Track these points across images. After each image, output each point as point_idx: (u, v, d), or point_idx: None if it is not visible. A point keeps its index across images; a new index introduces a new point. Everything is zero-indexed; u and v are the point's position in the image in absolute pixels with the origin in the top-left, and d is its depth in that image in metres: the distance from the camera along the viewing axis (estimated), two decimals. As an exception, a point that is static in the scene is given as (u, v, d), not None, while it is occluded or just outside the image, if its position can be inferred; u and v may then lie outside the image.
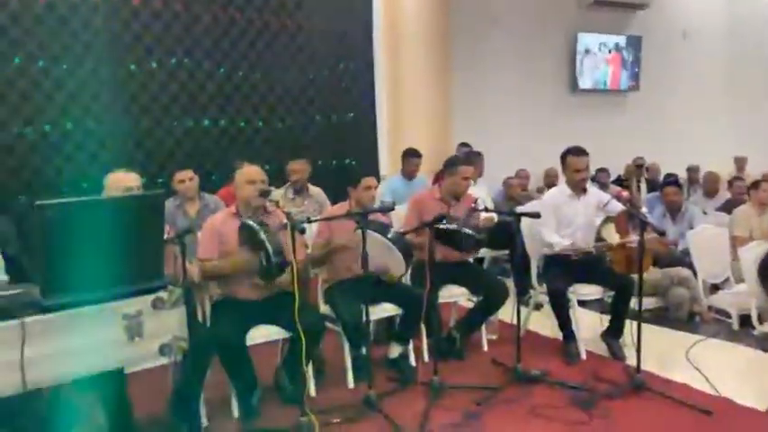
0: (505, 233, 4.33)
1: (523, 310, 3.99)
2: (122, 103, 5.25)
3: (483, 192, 5.55)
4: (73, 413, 2.21)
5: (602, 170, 7.59)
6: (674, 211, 5.17)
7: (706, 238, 4.74)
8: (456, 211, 3.81)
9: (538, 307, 4.43)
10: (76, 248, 1.70)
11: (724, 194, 6.64)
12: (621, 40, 9.00)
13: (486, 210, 4.13)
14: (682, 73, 9.47)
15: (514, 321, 3.46)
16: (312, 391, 3.28)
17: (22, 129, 4.87)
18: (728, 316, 4.47)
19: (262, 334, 3.13)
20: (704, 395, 3.26)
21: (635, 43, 9.06)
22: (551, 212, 3.93)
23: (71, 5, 4.97)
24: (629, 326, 3.64)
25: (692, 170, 8.26)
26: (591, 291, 3.97)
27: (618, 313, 3.84)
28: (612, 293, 3.90)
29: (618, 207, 3.85)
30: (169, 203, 4.18)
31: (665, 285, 4.52)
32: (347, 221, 3.40)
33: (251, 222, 2.85)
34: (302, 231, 2.78)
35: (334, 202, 4.54)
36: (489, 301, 3.86)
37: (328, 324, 3.37)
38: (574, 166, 3.92)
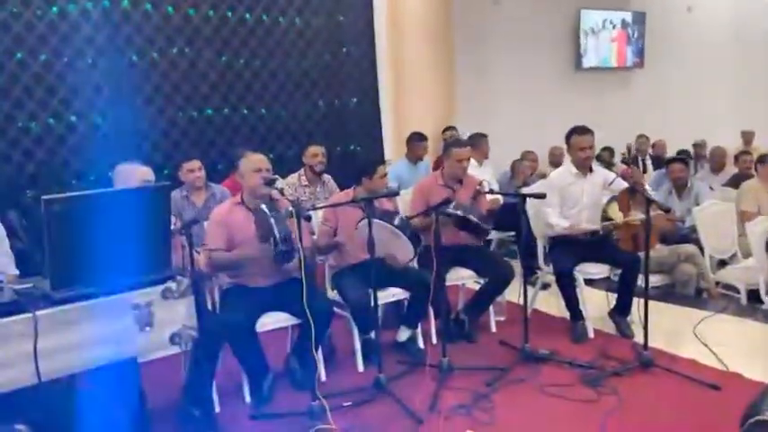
0: (512, 214, 4.34)
1: (530, 290, 4.00)
2: (125, 94, 5.25)
3: (488, 173, 5.55)
4: (88, 403, 2.25)
5: (606, 149, 7.55)
6: (680, 187, 5.15)
7: (712, 213, 4.73)
8: (460, 194, 3.81)
9: (545, 287, 4.44)
10: (84, 242, 1.72)
11: (731, 169, 6.59)
12: (627, 16, 8.90)
13: (492, 192, 4.13)
14: (686, 48, 9.36)
15: (522, 302, 3.47)
16: (323, 375, 3.32)
17: (26, 123, 4.89)
18: (736, 291, 4.47)
19: (272, 320, 3.16)
20: (712, 370, 3.27)
21: (640, 19, 8.96)
22: (556, 192, 3.93)
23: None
24: (637, 303, 3.65)
25: (699, 145, 8.21)
26: (598, 269, 3.98)
27: (625, 291, 3.85)
28: (619, 272, 3.91)
29: (623, 185, 3.84)
30: (175, 194, 4.20)
31: (672, 262, 4.51)
32: (353, 208, 3.42)
33: (264, 207, 2.88)
34: (308, 219, 2.80)
35: (340, 188, 4.55)
36: (495, 282, 3.87)
37: (337, 309, 3.40)
38: (578, 145, 3.91)
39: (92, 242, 1.73)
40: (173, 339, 1.84)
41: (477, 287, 4.05)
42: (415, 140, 5.79)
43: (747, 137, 8.68)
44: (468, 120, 6.83)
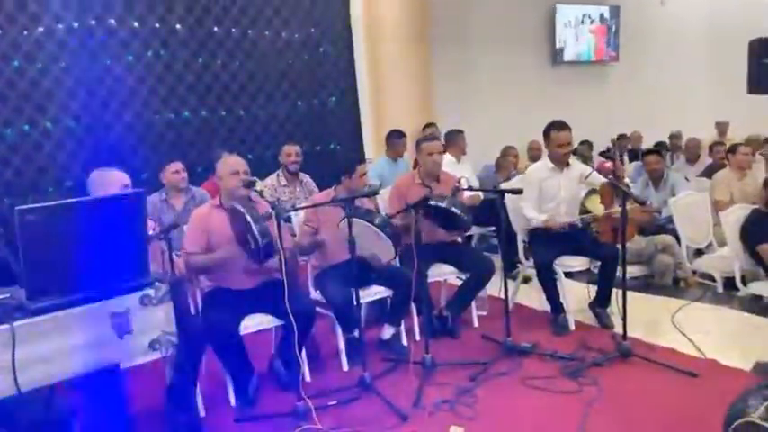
0: (492, 210, 4.38)
1: (511, 284, 4.05)
2: (100, 98, 5.20)
3: (467, 170, 5.58)
4: (71, 412, 2.24)
5: (584, 142, 7.63)
6: (656, 179, 5.23)
7: (688, 204, 4.81)
8: (438, 191, 3.83)
9: (526, 280, 4.49)
10: (60, 251, 1.71)
11: (706, 160, 6.71)
12: (605, 10, 9.00)
13: (471, 188, 4.16)
14: (661, 41, 9.49)
15: (503, 296, 3.51)
16: (307, 375, 3.33)
17: (1, 130, 4.83)
18: (713, 279, 4.56)
19: (255, 322, 3.16)
20: (690, 358, 3.34)
21: (615, 13, 9.06)
22: (534, 187, 3.97)
23: (41, 3, 4.90)
24: (616, 294, 3.70)
25: (675, 137, 8.33)
26: (577, 262, 4.03)
27: (604, 283, 3.91)
28: (599, 264, 3.96)
29: (599, 179, 3.89)
30: (154, 198, 4.18)
31: (650, 253, 4.59)
32: (334, 208, 3.42)
33: (238, 206, 2.87)
34: (287, 220, 2.80)
35: (320, 188, 4.56)
36: (477, 278, 3.91)
37: (320, 309, 3.41)
38: (557, 141, 3.95)
39: (67, 252, 1.72)
40: (152, 346, 1.84)
41: (458, 283, 4.09)
42: (394, 138, 5.81)
43: (722, 128, 8.82)
44: (447, 117, 6.86)
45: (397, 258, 3.59)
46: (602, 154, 7.80)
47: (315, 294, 3.65)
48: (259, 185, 2.97)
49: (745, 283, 4.18)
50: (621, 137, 8.15)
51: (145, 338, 1.84)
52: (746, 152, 5.14)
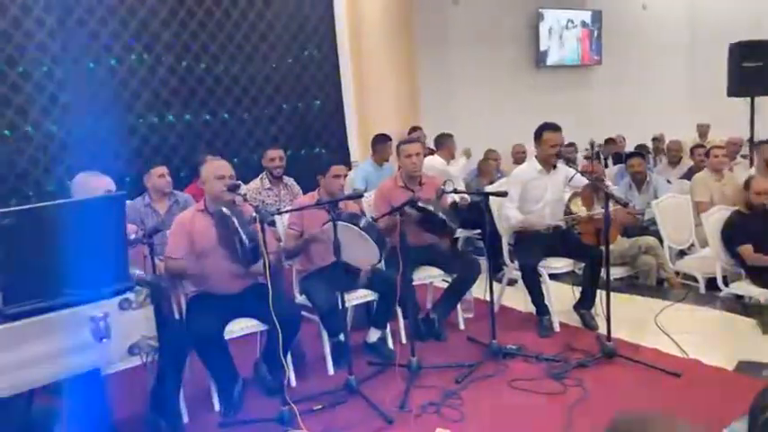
0: (477, 213, 4.40)
1: (497, 286, 4.06)
2: (83, 102, 5.15)
3: (458, 170, 5.63)
4: (51, 418, 2.21)
5: (569, 145, 7.68)
6: (639, 181, 5.28)
7: (670, 206, 4.86)
8: (422, 194, 3.82)
9: (511, 283, 4.50)
10: (37, 255, 1.68)
11: (688, 162, 6.79)
12: (587, 15, 9.09)
13: (456, 191, 4.17)
14: (642, 45, 9.61)
15: (488, 298, 3.52)
16: (292, 380, 3.31)
17: (-19, 135, 4.77)
18: (695, 280, 4.60)
19: (239, 327, 3.14)
20: (673, 358, 3.36)
21: (597, 18, 9.16)
22: (519, 187, 4.00)
23: (23, 5, 4.85)
24: (600, 295, 3.73)
25: (657, 140, 8.42)
26: (562, 264, 4.05)
27: (589, 284, 3.93)
28: (583, 265, 3.99)
29: (583, 181, 3.92)
30: (137, 202, 4.14)
31: (633, 254, 4.62)
32: (318, 211, 3.41)
33: (224, 209, 2.85)
34: (271, 224, 2.79)
35: (305, 192, 4.54)
36: (463, 280, 3.91)
37: (305, 313, 3.39)
38: (550, 142, 3.97)
39: (45, 255, 1.70)
40: (131, 350, 1.82)
41: (444, 286, 4.09)
42: (379, 142, 5.80)
43: (703, 130, 8.94)
44: (433, 120, 6.89)
45: (383, 261, 3.59)
46: (586, 157, 7.86)
47: (300, 298, 3.63)
48: (243, 189, 2.95)
49: (726, 283, 4.22)
50: (608, 141, 8.24)
51: (124, 343, 1.81)
52: (720, 154, 5.21)
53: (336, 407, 3.02)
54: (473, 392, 3.12)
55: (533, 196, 4.03)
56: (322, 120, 6.53)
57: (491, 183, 5.73)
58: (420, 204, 3.43)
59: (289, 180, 4.81)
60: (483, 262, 4.11)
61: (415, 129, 6.44)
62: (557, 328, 3.90)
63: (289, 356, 3.21)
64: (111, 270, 1.82)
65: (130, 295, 1.81)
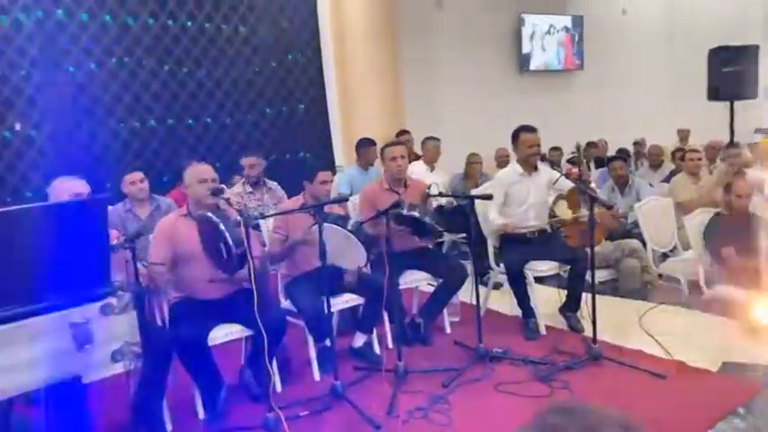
0: (462, 216, 4.39)
1: (483, 290, 4.06)
2: (62, 106, 5.07)
3: (439, 177, 5.61)
4: (30, 427, 2.15)
5: (555, 149, 7.74)
6: (621, 184, 5.33)
7: (652, 209, 4.90)
8: (407, 197, 3.80)
9: (497, 286, 4.51)
10: (15, 259, 1.64)
11: (669, 166, 6.87)
12: (568, 20, 9.18)
13: (441, 195, 4.17)
14: (623, 49, 9.73)
15: (475, 302, 3.51)
16: (278, 386, 3.27)
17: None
18: (678, 282, 4.64)
19: (224, 333, 3.09)
20: (658, 360, 3.39)
21: (578, 23, 9.26)
22: (502, 190, 4.01)
23: (0, 8, 4.77)
24: (585, 298, 3.74)
25: (638, 144, 8.51)
26: (547, 267, 4.06)
27: (574, 287, 3.95)
28: (568, 268, 4.00)
29: (567, 184, 3.94)
30: (119, 207, 4.08)
31: (617, 257, 4.65)
32: (303, 215, 3.39)
33: (209, 214, 2.81)
34: (255, 227, 2.76)
35: (290, 196, 4.51)
36: (449, 284, 3.91)
37: (290, 318, 3.36)
38: (527, 143, 3.99)
39: (23, 260, 1.65)
40: (114, 357, 1.77)
41: (431, 290, 4.08)
42: (363, 146, 5.79)
43: (683, 134, 9.05)
44: (417, 124, 6.89)
45: (369, 265, 3.57)
46: (568, 161, 7.91)
47: (285, 303, 3.59)
48: (227, 193, 2.92)
49: (709, 285, 4.26)
50: (590, 144, 8.30)
51: (107, 349, 1.77)
52: (695, 158, 5.29)
53: (323, 412, 2.99)
54: (460, 396, 3.10)
55: (517, 199, 4.04)
56: (306, 124, 6.51)
57: (475, 186, 5.74)
58: (404, 212, 3.41)
59: (272, 184, 4.79)
60: (469, 266, 4.11)
61: (403, 132, 6.44)
62: (543, 331, 3.91)
63: (274, 362, 3.17)
64: (93, 274, 1.78)
65: (112, 300, 1.77)
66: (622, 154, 6.92)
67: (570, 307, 3.98)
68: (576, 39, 9.29)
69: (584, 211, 3.78)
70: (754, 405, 2.86)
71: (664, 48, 10.15)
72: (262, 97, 6.19)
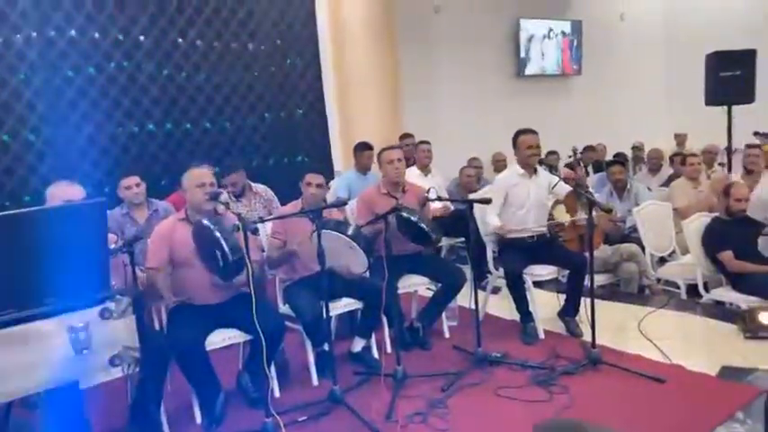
0: (461, 221, 4.39)
1: (481, 294, 4.06)
2: (61, 111, 5.08)
3: (438, 181, 5.61)
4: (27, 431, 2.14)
5: (552, 152, 7.75)
6: (619, 189, 5.33)
7: (651, 213, 4.91)
8: (405, 202, 3.80)
9: (495, 290, 4.51)
10: (15, 263, 1.63)
11: (667, 170, 6.88)
12: (566, 25, 9.21)
13: (440, 199, 4.17)
14: (621, 54, 9.76)
15: (473, 306, 3.51)
16: (276, 391, 3.26)
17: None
18: (676, 287, 4.64)
19: (221, 338, 3.09)
20: (657, 364, 3.38)
21: (577, 28, 9.29)
22: (502, 193, 4.01)
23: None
24: (584, 303, 3.74)
25: (637, 148, 8.53)
26: (546, 271, 4.06)
27: (573, 291, 3.94)
28: (567, 272, 4.00)
29: (565, 188, 3.94)
30: (116, 212, 4.08)
31: (616, 261, 4.66)
32: (302, 219, 3.38)
33: (205, 221, 2.80)
34: (254, 232, 2.76)
35: (288, 200, 4.50)
36: (448, 288, 3.90)
37: (289, 323, 3.35)
38: (526, 144, 4.00)
39: (22, 264, 1.64)
40: (113, 362, 1.77)
41: (429, 294, 4.07)
42: (360, 150, 5.78)
43: (680, 139, 9.07)
44: (415, 128, 6.88)
45: (367, 270, 3.56)
46: (566, 165, 7.92)
47: (283, 308, 3.59)
48: (225, 197, 2.91)
49: (707, 289, 4.27)
50: (589, 148, 8.32)
51: (105, 354, 1.76)
52: (695, 162, 5.30)
53: (321, 418, 2.98)
54: (459, 401, 3.10)
55: (517, 201, 4.04)
56: (304, 128, 6.51)
57: (473, 191, 5.73)
58: (403, 215, 3.41)
59: (259, 187, 4.75)
60: (467, 270, 4.11)
61: (406, 136, 6.42)
62: (541, 335, 3.90)
63: (272, 367, 3.17)
64: (92, 278, 1.77)
65: (111, 304, 1.77)
66: (620, 158, 6.94)
67: (569, 311, 3.97)
68: (575, 43, 9.32)
69: (581, 215, 3.79)
70: (752, 409, 2.85)
71: (661, 53, 10.18)
72: (260, 101, 6.19)
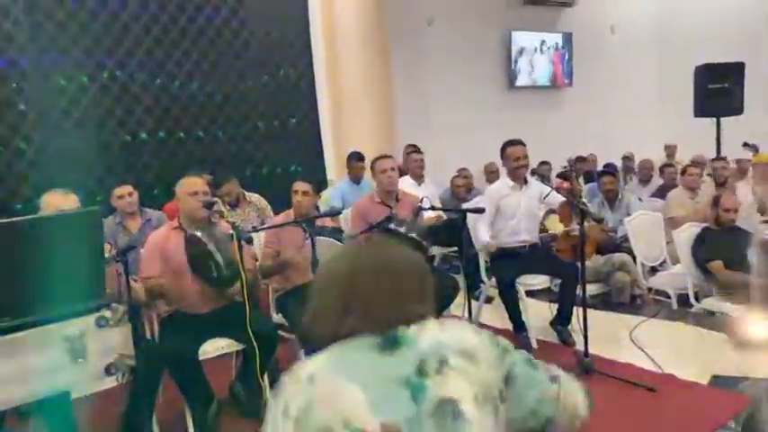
0: (454, 230, 4.40)
1: (474, 304, 4.07)
2: (53, 119, 5.06)
3: (431, 190, 5.62)
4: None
5: (544, 163, 7.80)
6: (611, 199, 5.37)
7: (642, 223, 4.95)
8: (399, 211, 3.82)
9: (488, 300, 4.52)
10: (10, 271, 1.63)
11: (657, 181, 6.94)
12: (558, 37, 9.31)
13: (433, 208, 4.18)
14: (611, 67, 9.86)
15: (466, 316, 3.51)
16: (270, 401, 3.24)
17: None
18: (667, 296, 4.67)
19: (214, 347, 3.07)
20: (648, 373, 3.40)
21: (569, 40, 9.40)
22: (493, 205, 4.04)
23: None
24: (576, 312, 3.75)
25: (627, 159, 8.60)
26: (538, 281, 4.08)
27: (565, 301, 3.95)
28: (559, 282, 4.02)
29: (558, 198, 3.97)
30: (109, 221, 4.06)
31: (607, 271, 4.69)
32: (295, 229, 3.38)
33: (199, 234, 2.79)
34: (249, 241, 2.76)
35: (282, 209, 4.51)
36: (442, 297, 3.86)
37: (282, 332, 3.34)
38: (513, 156, 4.03)
39: (18, 272, 1.64)
40: (108, 370, 1.76)
41: (422, 303, 4.06)
42: (353, 160, 5.80)
43: (670, 150, 9.14)
44: (408, 138, 6.93)
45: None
46: (559, 175, 7.96)
47: (276, 317, 3.58)
48: (219, 206, 2.91)
49: (698, 299, 4.30)
50: (580, 159, 8.37)
51: (101, 362, 1.76)
52: (694, 173, 5.36)
53: (314, 427, 2.96)
54: (452, 410, 3.09)
55: (508, 212, 4.07)
56: (298, 138, 6.52)
57: (464, 200, 5.76)
58: (392, 227, 3.41)
59: (252, 196, 4.75)
60: (460, 279, 4.11)
61: (411, 147, 6.39)
62: (534, 344, 3.91)
63: (266, 376, 3.15)
64: (87, 286, 1.77)
65: (107, 312, 1.76)
66: (610, 169, 7.00)
67: (561, 321, 3.98)
68: (566, 56, 9.42)
69: (574, 225, 3.81)
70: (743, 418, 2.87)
71: (651, 65, 10.30)
72: (253, 110, 6.20)
